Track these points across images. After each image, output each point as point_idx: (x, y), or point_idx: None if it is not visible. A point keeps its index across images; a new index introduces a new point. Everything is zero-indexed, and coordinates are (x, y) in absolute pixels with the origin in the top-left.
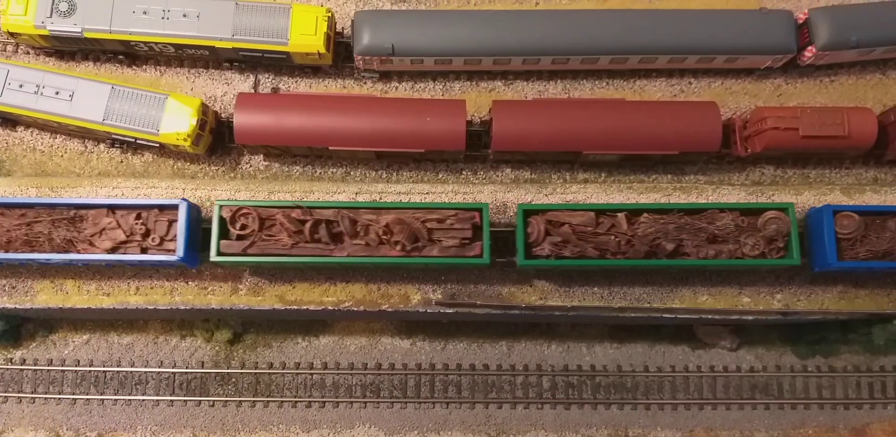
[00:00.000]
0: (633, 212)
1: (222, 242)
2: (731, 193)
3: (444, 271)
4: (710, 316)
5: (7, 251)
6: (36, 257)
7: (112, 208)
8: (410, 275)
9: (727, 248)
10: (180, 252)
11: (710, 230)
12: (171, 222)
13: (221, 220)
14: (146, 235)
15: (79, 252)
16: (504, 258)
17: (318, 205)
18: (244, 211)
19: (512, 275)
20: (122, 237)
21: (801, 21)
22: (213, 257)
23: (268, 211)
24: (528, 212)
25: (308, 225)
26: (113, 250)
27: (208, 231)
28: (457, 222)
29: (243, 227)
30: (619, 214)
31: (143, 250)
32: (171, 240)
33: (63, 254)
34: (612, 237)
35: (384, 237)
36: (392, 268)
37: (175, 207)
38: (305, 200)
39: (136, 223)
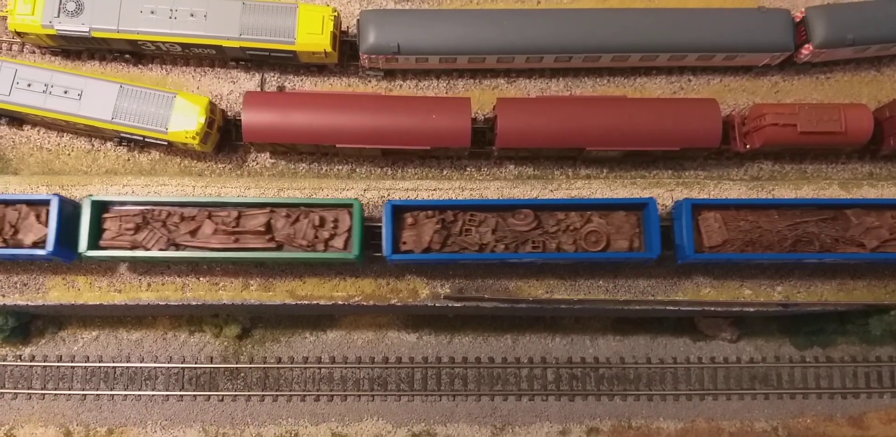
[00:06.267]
0: None
1: None
2: (731, 188)
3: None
4: (712, 308)
5: (770, 251)
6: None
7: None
8: (419, 269)
9: None
10: None
11: None
12: None
13: None
14: None
15: (836, 252)
16: None
17: None
18: None
19: None
20: (886, 236)
21: (798, 19)
22: None
23: None
24: None
25: None
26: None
27: None
28: None
29: None
30: None
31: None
32: None
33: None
34: None
35: None
36: None
37: None
38: (314, 197)
39: None
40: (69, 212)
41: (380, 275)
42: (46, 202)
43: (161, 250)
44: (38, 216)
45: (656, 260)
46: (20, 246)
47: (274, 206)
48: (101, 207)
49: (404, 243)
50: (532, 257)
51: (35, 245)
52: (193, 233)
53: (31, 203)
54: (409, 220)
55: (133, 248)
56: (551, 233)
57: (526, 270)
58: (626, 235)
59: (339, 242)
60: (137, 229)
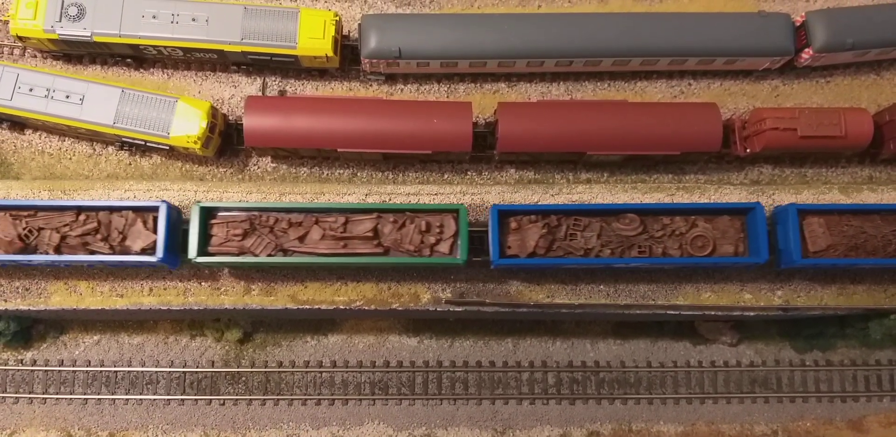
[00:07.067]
0: None
1: None
2: (731, 192)
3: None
4: (712, 312)
5: (874, 256)
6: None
7: None
8: (420, 274)
9: None
10: None
11: None
12: None
13: None
14: None
15: None
16: None
17: None
18: None
19: None
20: None
21: (798, 23)
22: None
23: None
24: None
25: None
26: None
27: None
28: None
29: None
30: None
31: None
32: None
33: None
34: None
35: None
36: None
37: None
38: (315, 201)
39: None
40: (174, 218)
41: (381, 279)
42: (153, 209)
43: (269, 255)
44: (144, 222)
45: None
46: (128, 253)
47: (380, 211)
48: (208, 214)
49: (509, 247)
50: (639, 261)
51: (143, 252)
52: (302, 239)
53: (137, 209)
54: (513, 224)
55: (241, 253)
56: (657, 238)
57: (527, 274)
58: (731, 239)
59: (444, 246)
60: (245, 234)
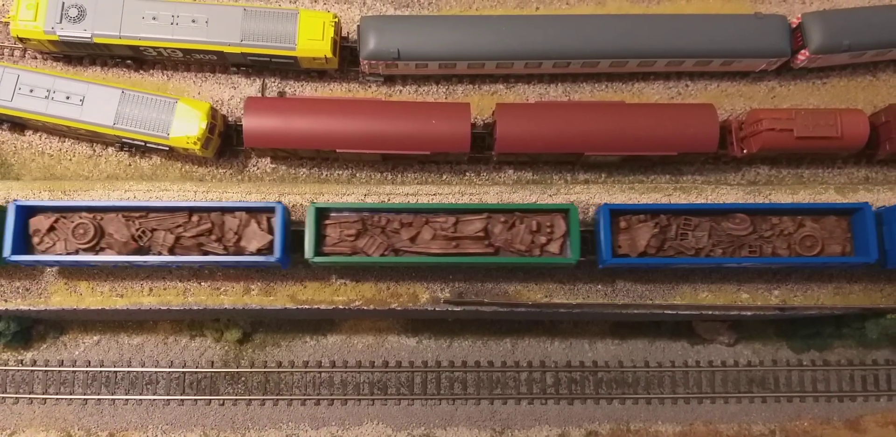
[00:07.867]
0: None
1: None
2: (728, 192)
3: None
4: (710, 312)
5: None
6: None
7: None
8: (419, 274)
9: None
10: None
11: None
12: None
13: None
14: None
15: None
16: None
17: None
18: None
19: None
20: None
21: (794, 25)
22: None
23: None
24: None
25: None
26: None
27: None
28: None
29: None
30: None
31: None
32: None
33: None
34: None
35: None
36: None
37: None
38: (316, 201)
39: None
40: (287, 219)
41: (380, 279)
42: (266, 209)
43: (382, 255)
44: (258, 223)
45: None
46: (241, 253)
47: (490, 211)
48: (320, 214)
49: (619, 247)
50: (752, 261)
51: (258, 252)
52: (413, 239)
53: (250, 210)
54: (622, 224)
55: (353, 253)
56: (766, 237)
57: (525, 274)
58: (838, 239)
59: (554, 246)
60: (358, 235)
